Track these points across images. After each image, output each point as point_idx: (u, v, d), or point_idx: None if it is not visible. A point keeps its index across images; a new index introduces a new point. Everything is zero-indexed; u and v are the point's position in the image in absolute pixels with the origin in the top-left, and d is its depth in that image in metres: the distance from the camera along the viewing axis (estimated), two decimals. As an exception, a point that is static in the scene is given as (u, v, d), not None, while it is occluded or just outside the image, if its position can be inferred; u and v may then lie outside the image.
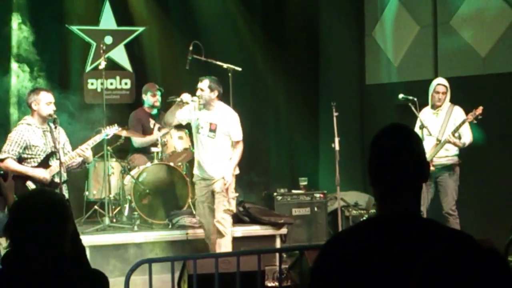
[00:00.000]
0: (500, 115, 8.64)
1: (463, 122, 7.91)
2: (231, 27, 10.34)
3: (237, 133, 7.57)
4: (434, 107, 8.22)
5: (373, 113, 10.60)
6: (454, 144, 7.98)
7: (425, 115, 8.28)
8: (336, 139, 8.10)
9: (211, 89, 7.45)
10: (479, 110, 7.84)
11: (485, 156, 8.62)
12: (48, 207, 2.68)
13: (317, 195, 9.36)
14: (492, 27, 8.98)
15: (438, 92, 8.19)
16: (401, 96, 8.32)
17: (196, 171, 7.72)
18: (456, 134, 8.00)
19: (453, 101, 8.35)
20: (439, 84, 8.23)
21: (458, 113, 8.11)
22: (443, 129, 8.08)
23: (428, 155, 8.18)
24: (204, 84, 7.47)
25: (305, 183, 9.55)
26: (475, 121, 7.92)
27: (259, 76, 10.37)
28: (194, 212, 8.48)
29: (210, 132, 7.50)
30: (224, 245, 7.40)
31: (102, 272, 2.81)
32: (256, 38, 10.51)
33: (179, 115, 7.65)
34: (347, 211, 9.33)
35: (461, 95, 9.11)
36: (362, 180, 10.63)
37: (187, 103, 7.48)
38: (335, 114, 8.09)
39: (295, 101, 10.67)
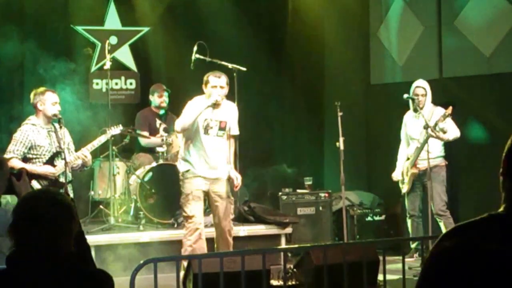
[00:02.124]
0: (505, 114, 8.65)
1: (436, 124, 8.03)
2: (236, 27, 10.35)
3: (237, 127, 7.44)
4: (415, 110, 8.30)
5: (377, 112, 10.60)
6: (437, 137, 8.04)
7: (408, 118, 8.49)
8: (341, 139, 8.10)
9: (228, 84, 7.26)
10: (449, 110, 7.99)
11: (490, 156, 8.62)
12: (52, 208, 2.68)
13: (322, 195, 9.37)
14: (496, 27, 8.99)
15: (417, 95, 8.30)
16: (406, 96, 8.36)
17: (194, 169, 7.20)
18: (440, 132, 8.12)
19: (458, 101, 8.38)
20: (418, 86, 8.35)
21: (439, 113, 8.16)
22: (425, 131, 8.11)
23: (412, 158, 8.29)
24: (223, 80, 7.18)
25: (310, 182, 9.56)
26: (445, 121, 8.03)
27: (263, 76, 10.37)
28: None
29: (219, 131, 7.24)
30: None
31: (106, 272, 2.81)
32: (260, 38, 10.52)
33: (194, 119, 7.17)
34: (352, 211, 9.35)
35: (466, 95, 9.13)
36: (367, 179, 10.64)
37: (220, 103, 7.17)
38: (339, 113, 8.09)
39: (300, 101, 10.69)
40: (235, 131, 7.43)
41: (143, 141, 9.19)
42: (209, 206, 7.59)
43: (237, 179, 7.33)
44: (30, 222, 2.65)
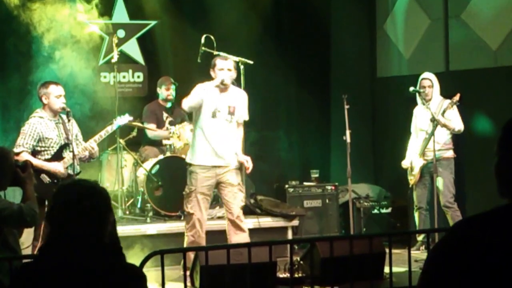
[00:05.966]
0: (511, 108, 8.65)
1: (444, 111, 8.09)
2: (243, 20, 10.35)
3: (246, 113, 7.41)
4: (423, 103, 8.32)
5: (384, 105, 10.63)
6: (445, 125, 8.08)
7: (418, 111, 8.53)
8: (348, 132, 8.13)
9: (236, 69, 7.27)
10: (456, 97, 8.08)
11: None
12: (91, 197, 2.69)
13: (329, 187, 9.38)
14: (503, 20, 8.98)
15: (424, 87, 8.33)
16: (412, 89, 8.38)
17: (202, 159, 7.16)
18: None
19: (464, 94, 8.39)
20: (424, 78, 8.41)
21: (446, 105, 8.20)
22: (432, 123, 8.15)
23: (419, 149, 8.33)
24: (230, 63, 7.20)
25: (317, 175, 9.57)
26: (453, 108, 8.13)
27: (270, 69, 10.38)
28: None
29: (228, 115, 7.18)
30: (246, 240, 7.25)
31: (139, 268, 2.82)
32: (267, 31, 10.53)
33: (202, 98, 7.14)
34: (358, 203, 9.36)
35: (472, 88, 9.13)
36: (373, 172, 10.67)
37: (227, 84, 7.15)
38: (346, 106, 8.12)
39: (307, 94, 10.70)
40: (245, 116, 7.40)
41: (150, 134, 9.23)
42: (218, 194, 7.64)
43: (247, 162, 7.26)
44: (70, 211, 2.66)
